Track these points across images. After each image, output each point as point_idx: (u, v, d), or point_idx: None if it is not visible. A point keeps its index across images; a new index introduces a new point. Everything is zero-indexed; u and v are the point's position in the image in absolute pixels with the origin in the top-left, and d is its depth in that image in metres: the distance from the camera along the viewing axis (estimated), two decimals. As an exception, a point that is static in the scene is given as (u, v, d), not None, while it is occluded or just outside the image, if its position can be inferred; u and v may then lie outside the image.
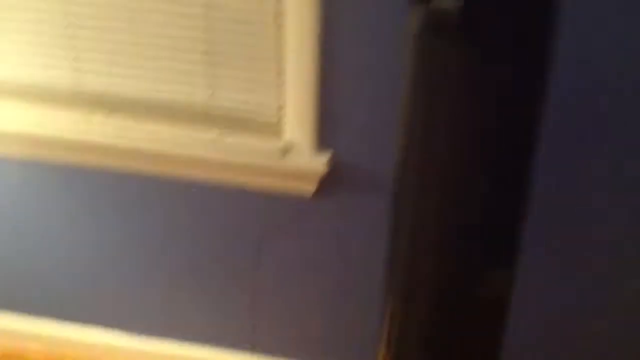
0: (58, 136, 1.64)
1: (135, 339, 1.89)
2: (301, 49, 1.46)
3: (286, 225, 1.66)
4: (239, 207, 1.67)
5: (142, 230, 1.75)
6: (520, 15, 1.00)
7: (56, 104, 1.65)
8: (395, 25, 1.40)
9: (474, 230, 1.14)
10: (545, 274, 1.59)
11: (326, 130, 1.54)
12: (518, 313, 1.60)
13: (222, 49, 1.52)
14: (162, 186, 1.68)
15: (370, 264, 1.67)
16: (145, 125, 1.61)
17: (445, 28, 1.00)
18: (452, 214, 1.12)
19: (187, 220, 1.71)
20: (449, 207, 1.12)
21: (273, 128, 1.56)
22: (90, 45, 1.58)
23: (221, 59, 1.53)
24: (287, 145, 1.55)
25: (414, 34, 1.04)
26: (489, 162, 1.09)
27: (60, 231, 1.79)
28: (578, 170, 1.47)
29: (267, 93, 1.53)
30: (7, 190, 1.76)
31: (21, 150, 1.69)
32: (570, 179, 1.49)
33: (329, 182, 1.59)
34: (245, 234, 1.70)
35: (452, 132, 1.05)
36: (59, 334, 1.91)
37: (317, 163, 1.54)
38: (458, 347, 1.24)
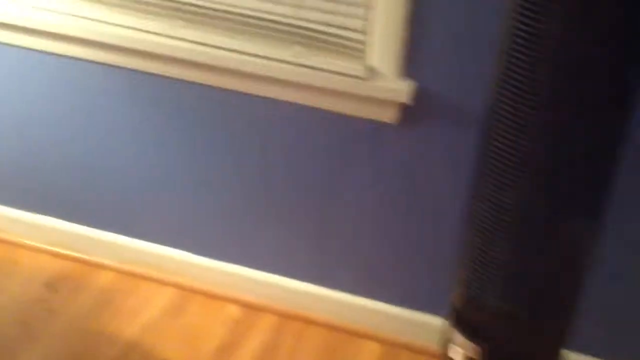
0: (140, 45, 1.61)
1: (202, 259, 1.91)
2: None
3: (363, 152, 1.62)
4: (315, 129, 1.63)
5: (215, 148, 1.73)
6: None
7: (140, 12, 1.62)
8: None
9: (564, 173, 1.08)
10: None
11: (412, 58, 1.47)
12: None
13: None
14: (239, 103, 1.65)
15: (449, 201, 1.61)
16: (226, 39, 1.57)
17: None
18: (544, 153, 1.06)
19: (261, 140, 1.68)
20: (541, 147, 1.06)
21: (357, 52, 1.50)
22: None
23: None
24: (370, 71, 1.49)
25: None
26: (589, 106, 1.02)
27: (138, 145, 1.79)
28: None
29: (354, 15, 1.46)
30: (87, 94, 1.77)
31: (106, 56, 1.68)
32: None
33: (411, 112, 1.53)
34: (320, 158, 1.66)
35: (555, 70, 0.99)
36: (129, 250, 1.95)
37: (400, 91, 1.48)
38: (537, 290, 1.20)
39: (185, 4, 1.57)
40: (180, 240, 1.91)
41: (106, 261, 1.97)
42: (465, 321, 1.32)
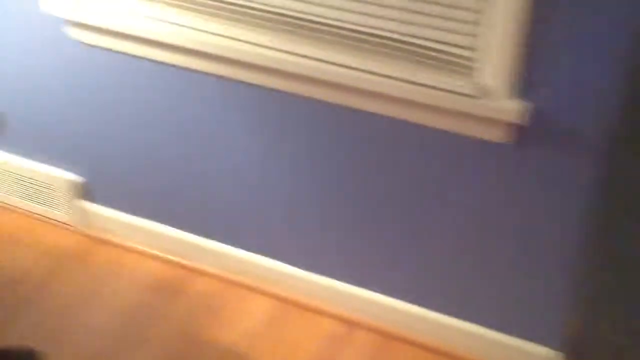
0: (254, 59, 1.61)
1: (301, 272, 1.90)
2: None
3: (469, 173, 1.55)
4: (421, 147, 1.57)
5: (320, 162, 1.71)
6: None
7: (254, 27, 1.63)
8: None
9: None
10: None
11: (526, 77, 1.39)
12: None
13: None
14: (346, 118, 1.62)
15: (558, 227, 1.52)
16: (336, 54, 1.54)
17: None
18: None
19: (365, 156, 1.65)
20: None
21: (465, 69, 1.43)
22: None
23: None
24: (481, 89, 1.42)
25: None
26: None
27: (247, 156, 1.80)
28: None
29: (462, 32, 1.40)
30: (200, 104, 1.79)
31: (215, 67, 1.69)
32: None
33: (523, 132, 1.45)
34: (425, 176, 1.61)
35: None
36: (230, 258, 1.96)
37: (511, 110, 1.40)
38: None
39: (298, 19, 1.56)
40: (281, 251, 1.90)
41: (208, 268, 1.99)
42: (579, 353, 1.24)
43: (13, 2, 1.82)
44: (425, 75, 1.46)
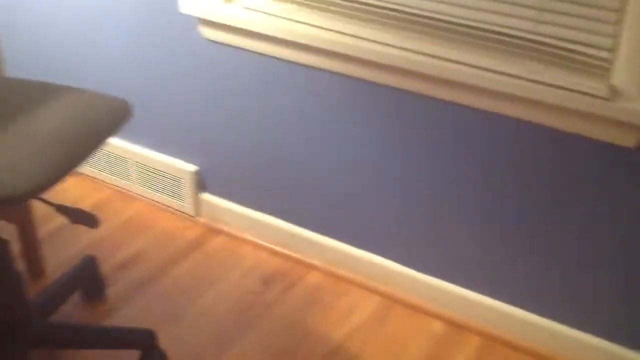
0: (378, 57, 1.64)
1: (410, 271, 1.91)
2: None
3: (595, 177, 1.53)
4: (543, 149, 1.56)
5: (434, 161, 1.72)
6: None
7: (379, 24, 1.66)
8: None
9: None
10: None
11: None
12: None
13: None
14: (464, 117, 1.63)
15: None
16: (461, 52, 1.55)
17: None
18: None
19: (484, 156, 1.65)
20: None
21: (601, 70, 1.42)
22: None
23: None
24: (614, 91, 1.40)
25: None
26: None
27: (360, 153, 1.83)
28: None
29: (600, 32, 1.39)
30: (320, 101, 1.83)
31: (338, 65, 1.73)
32: None
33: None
34: (545, 179, 1.59)
35: None
36: (340, 253, 1.99)
37: (645, 113, 1.38)
38: None
39: (433, 19, 1.58)
40: (390, 249, 1.92)
41: (319, 263, 2.02)
42: None
43: (156, 3, 1.93)
44: (556, 76, 1.46)
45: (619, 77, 1.40)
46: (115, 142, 2.24)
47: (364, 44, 1.64)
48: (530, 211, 1.66)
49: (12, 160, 1.27)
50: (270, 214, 2.08)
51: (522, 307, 1.78)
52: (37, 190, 1.26)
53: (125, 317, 1.85)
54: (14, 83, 1.54)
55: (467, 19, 1.53)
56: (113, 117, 1.48)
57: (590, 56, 1.42)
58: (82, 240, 2.10)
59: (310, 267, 2.03)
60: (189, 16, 1.88)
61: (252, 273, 2.01)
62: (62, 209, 1.57)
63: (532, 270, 1.72)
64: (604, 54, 1.40)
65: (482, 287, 1.82)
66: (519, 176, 1.63)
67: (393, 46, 1.62)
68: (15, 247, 1.91)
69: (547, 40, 1.45)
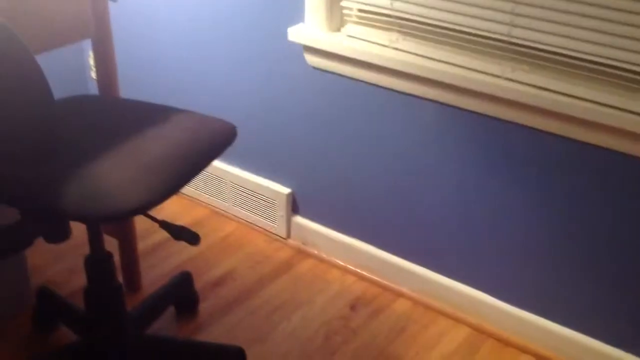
0: (469, 83, 1.60)
1: (499, 303, 1.83)
2: None
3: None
4: (598, 168, 1.48)
5: (522, 189, 1.65)
6: None
7: (471, 51, 1.62)
8: None
9: None
10: None
11: None
12: None
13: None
14: (554, 145, 1.56)
15: None
16: (558, 82, 1.49)
17: None
18: None
19: (568, 187, 1.57)
20: None
21: None
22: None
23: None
24: None
25: None
26: None
27: (451, 182, 1.78)
28: None
29: None
30: (417, 129, 1.79)
31: (438, 94, 1.70)
32: None
33: None
34: (621, 207, 1.51)
35: None
36: (428, 282, 1.93)
37: None
38: None
39: (535, 49, 1.53)
40: (481, 280, 1.84)
41: (406, 290, 1.97)
42: None
43: (266, 30, 1.95)
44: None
45: None
46: (213, 163, 2.25)
47: (469, 73, 1.60)
48: (623, 247, 1.56)
49: (124, 176, 1.28)
50: (360, 239, 2.04)
51: (611, 344, 1.68)
52: (145, 207, 1.26)
53: (215, 333, 1.84)
54: (129, 104, 1.57)
55: (579, 51, 1.46)
56: (220, 140, 1.48)
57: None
58: (177, 257, 2.10)
59: (399, 294, 1.97)
60: (296, 44, 1.88)
61: (339, 297, 1.97)
62: (165, 225, 1.57)
63: (630, 311, 1.62)
64: None
65: (571, 322, 1.73)
66: (611, 211, 1.55)
67: (499, 77, 1.57)
68: (116, 260, 1.94)
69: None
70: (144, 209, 1.26)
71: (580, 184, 1.58)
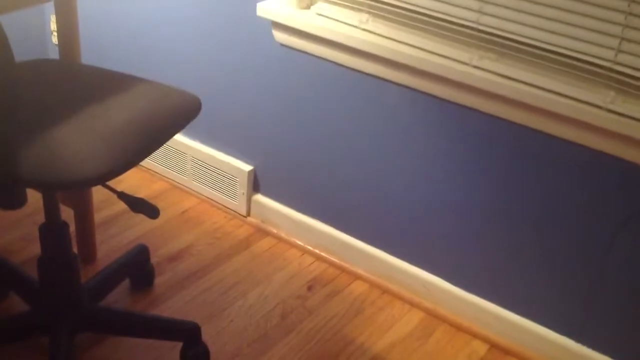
0: (446, 72, 1.59)
1: (455, 289, 1.84)
2: None
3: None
4: (604, 178, 1.50)
5: (491, 181, 1.66)
6: None
7: (441, 37, 1.61)
8: None
9: None
10: None
11: None
12: None
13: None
14: (528, 140, 1.57)
15: None
16: (532, 75, 1.50)
17: None
18: None
19: (542, 181, 1.59)
20: None
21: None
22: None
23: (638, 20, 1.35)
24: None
25: None
26: None
27: (417, 168, 1.78)
28: None
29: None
30: (383, 112, 1.78)
31: (405, 78, 1.68)
32: None
33: None
34: (602, 209, 1.53)
35: None
36: (386, 266, 1.93)
37: None
38: None
39: (501, 37, 1.53)
40: (436, 265, 1.85)
41: (363, 272, 1.96)
42: None
43: (234, 5, 1.91)
44: (632, 107, 1.39)
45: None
46: (175, 137, 2.21)
47: (435, 58, 1.59)
48: (584, 241, 1.59)
49: (84, 145, 1.24)
50: (320, 219, 2.02)
51: (569, 335, 1.70)
52: (104, 177, 1.22)
53: (171, 308, 1.81)
54: (91, 71, 1.52)
55: (543, 41, 1.46)
56: (184, 112, 1.44)
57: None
58: (135, 230, 2.06)
59: (356, 276, 1.97)
60: (264, 19, 1.84)
61: (297, 277, 1.96)
62: (124, 197, 1.54)
63: (580, 301, 1.65)
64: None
65: (529, 313, 1.75)
66: (577, 206, 1.57)
67: (464, 63, 1.57)
68: (72, 230, 1.89)
69: (627, 70, 1.39)
70: (102, 179, 1.23)
71: (540, 173, 1.60)
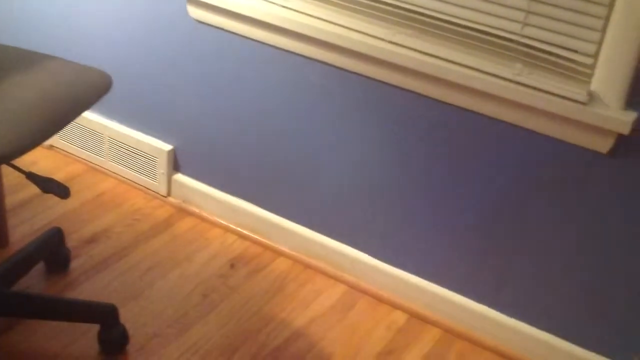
0: (354, 45, 1.58)
1: (376, 262, 1.85)
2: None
3: (565, 180, 1.50)
4: (517, 150, 1.53)
5: (407, 155, 1.68)
6: None
7: (357, 13, 1.60)
8: None
9: None
10: None
11: (638, 87, 1.35)
12: None
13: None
14: (445, 115, 1.58)
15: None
16: (447, 50, 1.50)
17: None
18: None
19: (459, 154, 1.61)
20: None
21: (583, 76, 1.39)
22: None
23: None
24: (592, 96, 1.38)
25: None
26: None
27: (334, 142, 1.77)
28: None
29: (586, 38, 1.36)
30: (302, 89, 1.77)
31: (324, 54, 1.67)
32: None
33: (624, 143, 1.40)
34: (517, 179, 1.56)
35: None
36: (308, 241, 1.92)
37: (621, 121, 1.35)
38: None
39: (412, 12, 1.53)
40: (358, 240, 1.86)
41: (286, 249, 1.96)
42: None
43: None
44: (538, 79, 1.42)
45: (599, 83, 1.37)
46: (91, 117, 2.14)
47: (353, 35, 1.58)
48: (496, 211, 1.62)
49: (-14, 121, 1.19)
50: (242, 198, 2.00)
51: (487, 303, 1.74)
52: (9, 155, 1.17)
53: (87, 291, 1.75)
54: (-6, 46, 1.45)
55: (456, 16, 1.48)
56: (93, 89, 1.39)
57: (573, 61, 1.39)
58: (50, 212, 1.98)
59: (279, 253, 1.96)
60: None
61: (219, 256, 1.93)
62: (32, 177, 1.47)
63: (493, 269, 1.69)
64: (586, 60, 1.36)
65: (443, 281, 1.78)
66: (488, 175, 1.60)
67: (382, 39, 1.56)
68: (-19, 214, 1.81)
69: (533, 43, 1.42)
70: (7, 158, 1.17)
71: (458, 146, 1.62)
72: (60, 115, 1.30)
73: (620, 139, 1.39)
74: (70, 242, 1.89)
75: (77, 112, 1.35)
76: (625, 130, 1.35)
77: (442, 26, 1.51)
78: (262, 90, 1.82)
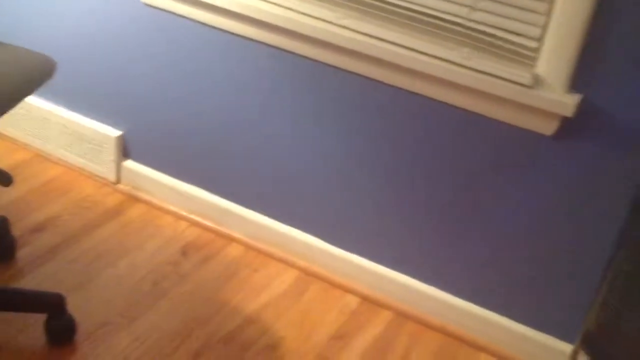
0: (309, 31, 1.57)
1: (328, 246, 1.85)
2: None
3: (514, 162, 1.52)
4: (468, 133, 1.54)
5: (361, 140, 1.67)
6: None
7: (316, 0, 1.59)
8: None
9: None
10: None
11: (582, 71, 1.37)
12: None
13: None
14: (395, 98, 1.58)
15: (598, 223, 1.49)
16: (395, 33, 1.50)
17: None
18: None
19: (410, 138, 1.61)
20: None
21: (528, 59, 1.40)
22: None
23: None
24: (537, 79, 1.39)
25: None
26: None
27: (287, 128, 1.76)
28: None
29: (531, 21, 1.37)
30: (252, 73, 1.75)
31: (273, 38, 1.66)
32: None
33: (569, 126, 1.42)
34: (468, 162, 1.57)
35: None
36: (261, 227, 1.91)
37: (565, 103, 1.37)
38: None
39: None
40: (310, 225, 1.85)
41: (238, 235, 1.94)
42: (599, 347, 1.20)
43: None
44: (483, 62, 1.42)
45: (544, 66, 1.38)
46: (37, 103, 2.08)
47: (302, 18, 1.56)
48: (444, 193, 1.64)
49: None
50: (194, 184, 1.97)
51: (437, 285, 1.76)
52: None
53: (35, 280, 1.71)
54: None
55: (405, 0, 1.48)
56: (36, 74, 1.35)
57: (519, 45, 1.40)
58: (-5, 201, 1.94)
59: (232, 239, 1.94)
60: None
61: (170, 243, 1.90)
62: (-28, 164, 1.43)
63: (442, 250, 1.71)
64: (531, 43, 1.37)
65: (394, 264, 1.79)
66: (435, 158, 1.61)
67: (330, 22, 1.55)
68: None
69: (481, 27, 1.42)
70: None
71: (405, 129, 1.62)
72: (2, 101, 1.26)
73: (565, 121, 1.42)
74: (16, 230, 1.84)
75: (19, 98, 1.31)
76: (569, 112, 1.37)
77: (391, 10, 1.51)
78: (211, 74, 1.79)
